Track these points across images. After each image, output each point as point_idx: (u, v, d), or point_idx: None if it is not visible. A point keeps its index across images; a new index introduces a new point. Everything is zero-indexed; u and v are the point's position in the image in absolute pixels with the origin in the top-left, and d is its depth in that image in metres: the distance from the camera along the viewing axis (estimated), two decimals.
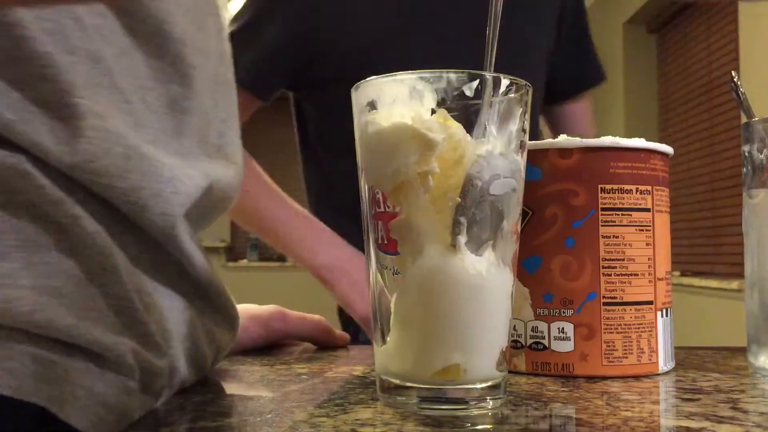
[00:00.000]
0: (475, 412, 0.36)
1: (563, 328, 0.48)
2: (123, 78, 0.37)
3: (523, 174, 0.39)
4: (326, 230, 1.04)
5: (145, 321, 0.36)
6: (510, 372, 0.43)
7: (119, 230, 0.36)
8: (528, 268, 0.49)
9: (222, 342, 0.47)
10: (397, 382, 0.38)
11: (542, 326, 0.48)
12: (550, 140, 0.49)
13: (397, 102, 0.37)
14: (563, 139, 0.49)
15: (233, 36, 1.12)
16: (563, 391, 0.43)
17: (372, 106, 0.38)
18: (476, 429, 0.33)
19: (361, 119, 0.39)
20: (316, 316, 0.65)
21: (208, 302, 0.44)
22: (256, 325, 0.62)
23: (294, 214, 1.05)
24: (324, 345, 0.65)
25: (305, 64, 1.05)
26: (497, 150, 0.37)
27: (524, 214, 0.48)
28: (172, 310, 0.40)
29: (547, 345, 0.48)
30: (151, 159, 0.37)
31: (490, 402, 0.37)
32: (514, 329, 0.49)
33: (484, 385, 0.37)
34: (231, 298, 0.47)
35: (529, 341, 0.49)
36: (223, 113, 0.46)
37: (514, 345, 0.49)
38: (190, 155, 0.41)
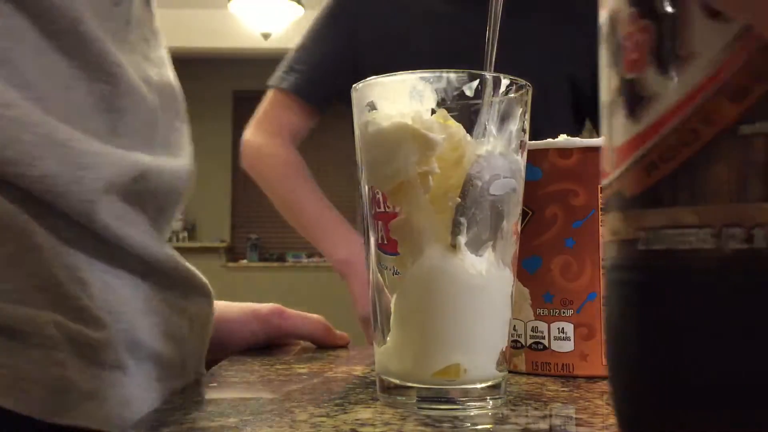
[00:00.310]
0: (475, 412, 0.36)
1: (563, 328, 0.48)
2: (40, 77, 0.38)
3: (523, 174, 0.39)
4: (351, 230, 1.14)
5: (76, 295, 0.37)
6: (510, 372, 0.43)
7: (41, 211, 0.37)
8: (528, 268, 0.49)
9: (196, 311, 0.48)
10: (397, 381, 0.38)
11: (542, 326, 0.48)
12: (550, 140, 0.49)
13: (397, 102, 0.37)
14: (563, 139, 0.49)
15: (299, 51, 1.28)
16: (563, 391, 0.43)
17: (372, 106, 0.38)
18: (476, 429, 0.33)
19: (361, 119, 0.39)
20: (316, 316, 0.65)
21: (164, 277, 0.44)
22: (255, 321, 0.62)
23: (327, 212, 1.17)
24: (324, 344, 0.65)
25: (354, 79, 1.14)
26: (497, 150, 0.37)
27: (524, 214, 0.48)
28: (118, 286, 0.41)
29: (547, 345, 0.48)
30: (67, 146, 0.37)
31: (490, 402, 0.37)
32: (514, 329, 0.49)
33: (484, 385, 0.37)
34: (191, 269, 0.48)
35: (529, 341, 0.49)
36: (171, 112, 0.47)
37: (514, 345, 0.49)
38: (127, 149, 0.42)
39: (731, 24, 0.21)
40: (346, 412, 0.36)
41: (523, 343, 0.49)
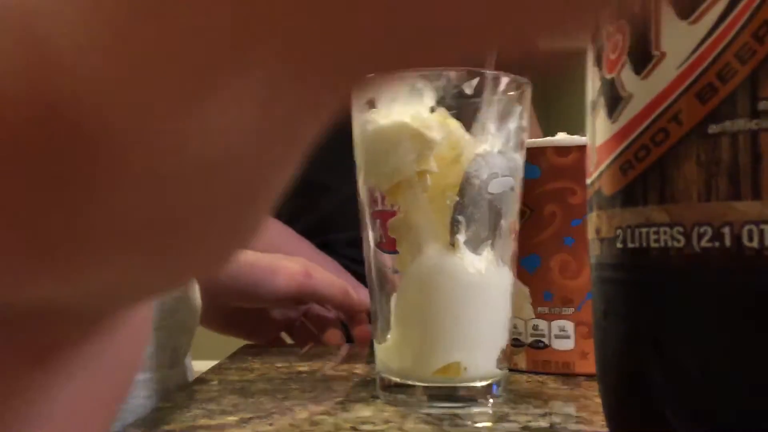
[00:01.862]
0: (476, 409, 0.36)
1: (563, 327, 0.48)
2: None
3: (521, 172, 0.39)
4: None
5: None
6: (510, 370, 0.43)
7: None
8: (527, 266, 0.49)
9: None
10: (398, 380, 0.38)
11: (543, 324, 0.48)
12: (549, 138, 0.49)
13: (396, 100, 0.38)
14: (562, 137, 0.49)
15: None
16: (563, 389, 0.43)
17: (371, 104, 0.39)
18: (476, 427, 0.33)
19: (359, 118, 0.39)
20: (340, 281, 0.64)
21: None
22: (283, 277, 0.61)
23: None
24: (342, 308, 0.63)
25: None
26: (496, 148, 0.37)
27: (523, 212, 0.48)
28: None
29: (547, 343, 0.48)
30: None
31: (491, 400, 0.37)
32: (515, 328, 0.49)
33: (484, 383, 0.37)
34: None
35: (530, 339, 0.49)
36: None
37: (515, 343, 0.49)
38: None
39: (700, 25, 0.21)
40: (346, 411, 0.36)
41: (524, 342, 0.49)
